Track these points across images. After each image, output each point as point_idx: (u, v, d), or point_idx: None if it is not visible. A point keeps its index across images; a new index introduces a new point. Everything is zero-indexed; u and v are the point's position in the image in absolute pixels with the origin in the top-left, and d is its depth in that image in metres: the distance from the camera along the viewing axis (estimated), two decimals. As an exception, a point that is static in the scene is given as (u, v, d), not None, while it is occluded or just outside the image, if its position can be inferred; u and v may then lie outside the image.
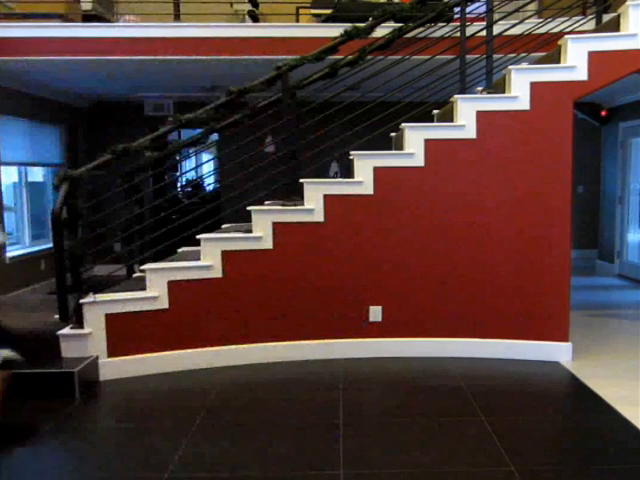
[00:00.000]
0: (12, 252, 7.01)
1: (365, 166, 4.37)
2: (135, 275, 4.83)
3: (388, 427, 3.33)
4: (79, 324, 4.07)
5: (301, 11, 6.80)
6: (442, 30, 4.77)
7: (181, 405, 3.68)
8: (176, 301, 4.24)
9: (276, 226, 4.34)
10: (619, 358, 4.36)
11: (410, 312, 4.47)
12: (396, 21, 4.81)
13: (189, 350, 4.29)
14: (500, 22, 4.67)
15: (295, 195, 4.46)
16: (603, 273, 8.05)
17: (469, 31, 4.56)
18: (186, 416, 3.45)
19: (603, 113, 8.21)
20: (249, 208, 4.39)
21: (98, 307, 4.09)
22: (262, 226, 4.34)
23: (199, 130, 4.57)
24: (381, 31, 4.72)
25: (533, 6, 5.94)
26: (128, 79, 7.02)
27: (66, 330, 4.05)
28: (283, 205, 4.43)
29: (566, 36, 4.29)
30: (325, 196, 4.37)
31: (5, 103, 6.70)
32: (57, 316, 4.17)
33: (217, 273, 4.30)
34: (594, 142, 8.51)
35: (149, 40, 5.82)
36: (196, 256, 4.38)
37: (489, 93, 4.45)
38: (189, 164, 11.48)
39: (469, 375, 3.96)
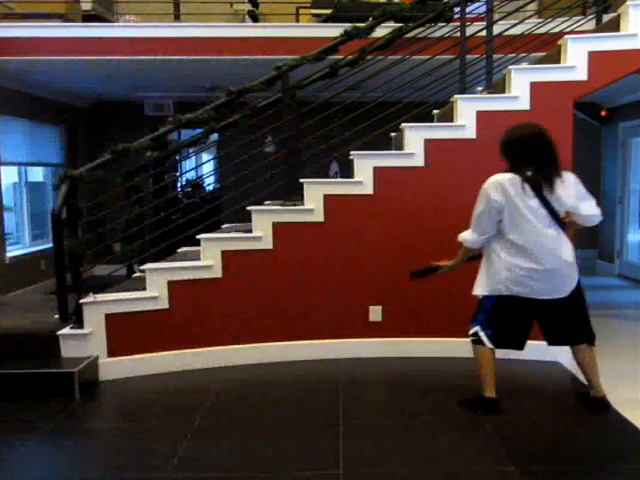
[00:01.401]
0: (12, 252, 7.01)
1: (365, 166, 4.36)
2: (135, 275, 4.83)
3: (388, 427, 3.33)
4: (79, 324, 4.07)
5: (301, 11, 6.80)
6: (442, 30, 4.76)
7: (181, 405, 3.68)
8: (176, 301, 4.24)
9: (276, 226, 4.34)
10: (619, 358, 4.35)
11: (410, 312, 4.47)
12: (396, 21, 4.81)
13: (189, 350, 4.29)
14: (500, 22, 4.67)
15: (295, 195, 4.45)
16: (603, 273, 8.05)
17: (469, 31, 4.56)
18: (186, 416, 3.45)
19: (603, 113, 8.21)
20: (249, 208, 4.39)
21: (98, 307, 4.08)
22: (262, 226, 4.34)
23: (199, 130, 4.57)
24: (381, 31, 4.72)
25: (533, 6, 5.94)
26: (128, 79, 7.02)
27: (66, 330, 4.05)
28: (283, 205, 4.44)
29: (566, 36, 4.29)
30: (325, 196, 4.37)
31: (5, 103, 6.70)
32: (57, 316, 4.17)
33: (217, 273, 4.30)
34: (594, 142, 8.51)
35: (149, 40, 5.82)
36: (196, 256, 4.38)
37: (489, 93, 4.45)
38: (189, 164, 11.48)
39: (469, 375, 3.95)
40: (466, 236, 3.41)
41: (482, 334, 3.39)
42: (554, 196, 3.18)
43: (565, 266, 3.24)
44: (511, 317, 3.36)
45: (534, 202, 3.17)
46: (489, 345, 3.40)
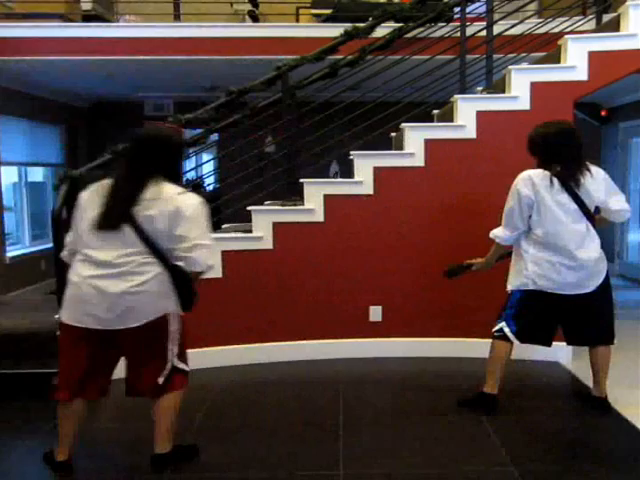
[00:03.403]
0: (12, 252, 7.01)
1: (365, 166, 4.36)
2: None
3: (388, 427, 3.33)
4: (79, 324, 4.05)
5: (301, 11, 6.80)
6: (442, 30, 4.76)
7: (181, 405, 3.67)
8: (176, 301, 4.23)
9: (276, 226, 4.34)
10: (619, 358, 4.34)
11: (410, 312, 4.47)
12: (396, 21, 4.81)
13: (189, 350, 4.26)
14: (500, 22, 4.66)
15: (295, 195, 4.45)
16: (603, 273, 8.01)
17: (469, 31, 4.56)
18: (186, 416, 3.44)
19: (603, 113, 8.20)
20: (249, 208, 4.39)
21: (98, 307, 4.07)
22: (262, 226, 4.34)
23: (199, 130, 4.57)
24: (381, 31, 4.72)
25: (533, 6, 5.93)
26: (128, 79, 7.01)
27: (66, 330, 4.04)
28: (283, 205, 4.43)
29: (566, 36, 4.29)
30: (325, 196, 4.36)
31: (5, 103, 6.70)
32: (57, 316, 4.17)
33: (217, 273, 4.29)
34: (594, 142, 8.50)
35: (149, 40, 5.81)
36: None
37: (489, 93, 4.45)
38: (189, 164, 11.46)
39: (469, 375, 3.96)
40: (498, 233, 3.41)
41: (507, 330, 3.40)
42: (584, 191, 3.20)
43: (592, 262, 3.25)
44: (537, 312, 3.37)
45: (564, 197, 3.19)
46: (514, 341, 3.40)
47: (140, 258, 2.59)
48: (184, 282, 2.73)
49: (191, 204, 2.64)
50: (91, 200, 2.66)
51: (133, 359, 2.76)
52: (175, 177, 2.72)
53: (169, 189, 2.63)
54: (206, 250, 2.68)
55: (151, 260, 2.61)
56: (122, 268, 2.58)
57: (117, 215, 2.57)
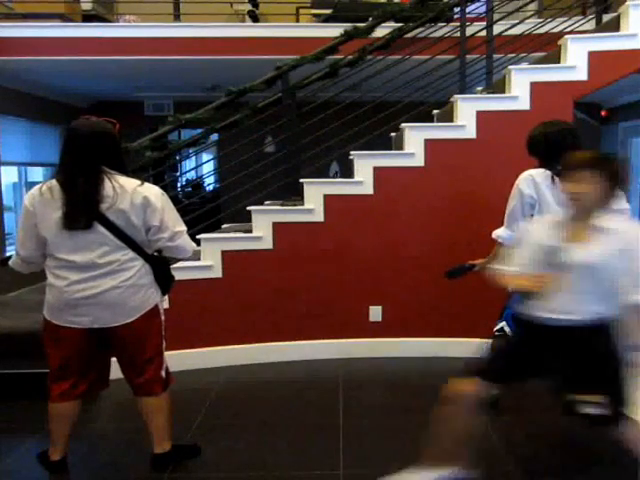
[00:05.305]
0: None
1: (365, 166, 4.36)
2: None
3: (388, 427, 3.33)
4: (79, 324, 4.05)
5: (301, 11, 6.80)
6: (442, 30, 4.77)
7: (181, 405, 3.67)
8: (176, 301, 4.23)
9: (276, 226, 4.34)
10: (619, 358, 4.35)
11: (410, 312, 4.47)
12: (396, 21, 4.82)
13: (188, 350, 4.29)
14: (500, 22, 4.67)
15: (295, 195, 4.45)
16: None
17: (469, 31, 4.56)
18: (186, 416, 3.45)
19: (603, 113, 8.21)
20: (249, 208, 4.39)
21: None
22: (262, 226, 4.34)
23: (199, 130, 4.57)
24: (381, 31, 4.73)
25: (533, 6, 5.94)
26: (128, 79, 7.01)
27: (66, 330, 4.04)
28: (283, 205, 4.44)
29: (566, 36, 4.29)
30: (325, 196, 4.37)
31: (5, 103, 6.70)
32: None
33: (217, 273, 4.30)
34: (594, 142, 8.50)
35: (149, 40, 5.81)
36: (196, 256, 4.38)
37: (489, 93, 4.46)
38: (189, 164, 11.47)
39: (469, 375, 3.95)
40: (500, 233, 3.41)
41: (507, 329, 3.40)
42: None
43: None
44: None
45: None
46: None
47: (121, 255, 2.59)
48: (162, 269, 2.75)
49: (156, 194, 2.63)
50: (44, 203, 2.60)
51: (130, 357, 2.76)
52: (122, 168, 2.67)
53: (128, 182, 2.60)
54: (185, 236, 2.72)
55: (132, 255, 2.61)
56: (107, 268, 2.57)
57: (86, 214, 2.53)
